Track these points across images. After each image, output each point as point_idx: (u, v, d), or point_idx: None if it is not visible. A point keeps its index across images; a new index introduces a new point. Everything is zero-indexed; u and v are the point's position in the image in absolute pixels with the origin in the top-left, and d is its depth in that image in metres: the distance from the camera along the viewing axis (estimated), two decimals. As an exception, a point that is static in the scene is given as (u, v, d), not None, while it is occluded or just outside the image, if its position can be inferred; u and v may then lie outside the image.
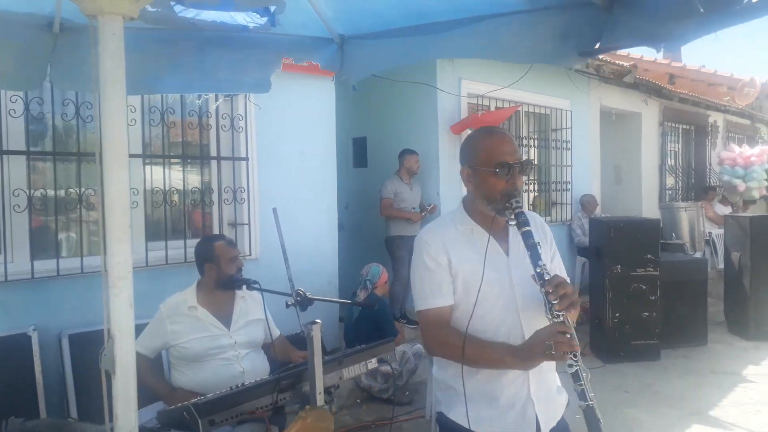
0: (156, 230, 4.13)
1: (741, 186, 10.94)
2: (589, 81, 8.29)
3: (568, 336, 1.54)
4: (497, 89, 6.66)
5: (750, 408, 4.40)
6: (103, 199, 1.27)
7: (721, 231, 8.00)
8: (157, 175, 4.07)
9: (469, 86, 6.48)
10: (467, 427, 1.75)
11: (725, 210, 10.01)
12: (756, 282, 6.20)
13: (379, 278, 4.48)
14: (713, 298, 6.85)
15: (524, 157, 1.78)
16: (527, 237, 1.64)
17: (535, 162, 7.71)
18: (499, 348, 1.68)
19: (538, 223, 1.89)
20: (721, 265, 7.58)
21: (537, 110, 7.63)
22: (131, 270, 1.29)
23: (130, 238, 1.29)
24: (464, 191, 6.25)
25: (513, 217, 1.68)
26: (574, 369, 1.54)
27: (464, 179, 1.84)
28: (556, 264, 1.88)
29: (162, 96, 3.93)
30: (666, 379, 5.06)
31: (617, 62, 8.56)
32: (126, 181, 1.29)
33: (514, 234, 1.76)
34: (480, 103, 6.69)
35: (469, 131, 6.32)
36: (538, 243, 1.66)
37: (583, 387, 1.53)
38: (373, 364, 2.64)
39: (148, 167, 4.00)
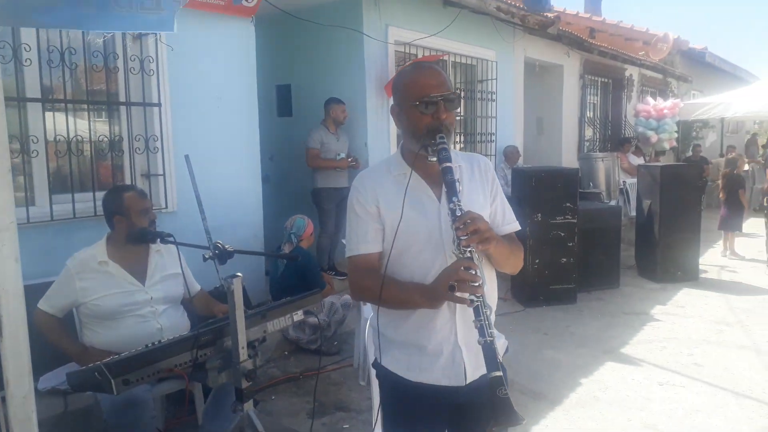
0: (61, 182, 3.83)
1: (654, 137, 11.47)
2: (514, 31, 8.32)
3: (473, 273, 1.50)
4: (425, 37, 6.56)
5: (657, 345, 4.71)
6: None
7: (635, 180, 8.38)
8: (60, 123, 3.74)
9: (396, 33, 6.33)
10: (398, 373, 1.75)
11: (638, 160, 10.49)
12: (664, 228, 6.58)
13: (304, 231, 4.39)
14: (625, 244, 7.22)
15: (452, 92, 1.69)
16: (446, 173, 1.59)
17: (462, 114, 7.73)
18: (410, 287, 1.66)
19: (481, 164, 1.84)
20: (634, 213, 7.98)
21: (463, 60, 7.59)
22: (14, 220, 1.14)
23: (10, 183, 1.13)
24: (393, 142, 6.18)
25: (435, 154, 1.62)
26: (475, 304, 1.50)
27: (394, 118, 1.79)
28: (498, 204, 1.84)
29: (60, 33, 3.58)
30: (582, 321, 5.33)
31: (541, 14, 8.61)
32: (1, 121, 1.13)
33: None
34: (407, 51, 6.57)
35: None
36: (458, 180, 1.62)
37: (482, 323, 1.48)
38: (299, 316, 2.58)
39: (49, 114, 3.66)
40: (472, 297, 1.50)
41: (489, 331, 1.49)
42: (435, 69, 1.73)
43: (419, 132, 1.67)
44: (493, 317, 1.67)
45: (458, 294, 1.51)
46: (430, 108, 1.65)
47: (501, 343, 1.87)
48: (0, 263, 1.13)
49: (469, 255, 1.52)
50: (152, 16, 2.40)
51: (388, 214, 1.70)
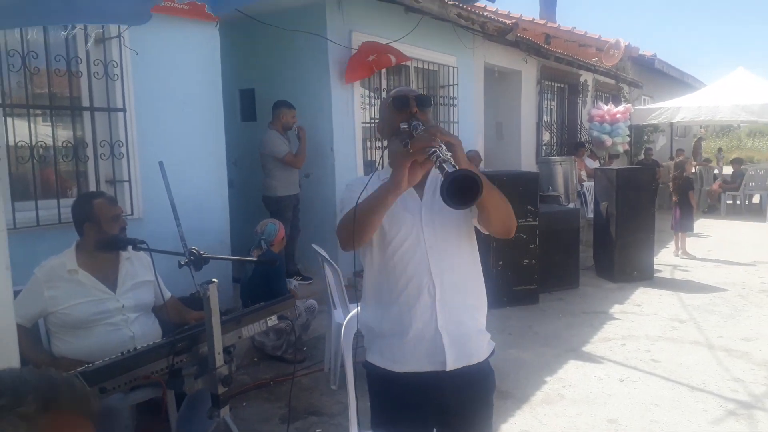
0: (23, 189, 3.73)
1: (608, 141, 11.85)
2: (474, 38, 8.48)
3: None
4: (388, 42, 6.63)
5: (616, 342, 4.88)
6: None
7: (591, 183, 8.64)
8: (21, 129, 3.65)
9: (359, 38, 6.39)
10: (384, 368, 1.83)
11: (594, 164, 10.81)
12: (620, 230, 6.81)
13: (275, 235, 4.37)
14: (584, 245, 7.46)
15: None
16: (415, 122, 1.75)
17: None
18: (377, 190, 1.69)
19: None
20: (591, 215, 8.22)
21: (426, 66, 7.70)
22: (5, 228, 1.15)
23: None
24: (359, 145, 6.23)
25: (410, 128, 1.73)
26: (432, 152, 1.50)
27: (379, 134, 1.98)
28: None
29: (22, 36, 3.50)
30: (545, 321, 5.48)
31: (500, 20, 8.81)
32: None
33: (431, 181, 1.84)
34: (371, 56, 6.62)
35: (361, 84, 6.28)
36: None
37: (440, 162, 1.47)
38: (273, 321, 2.60)
39: (9, 119, 3.57)
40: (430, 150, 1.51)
41: (452, 164, 1.47)
42: (413, 90, 1.95)
43: (396, 129, 1.81)
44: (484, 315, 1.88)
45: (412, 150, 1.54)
46: (404, 106, 1.82)
47: (487, 343, 1.94)
48: (-9, 272, 1.13)
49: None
50: (123, 8, 2.30)
51: None
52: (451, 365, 1.79)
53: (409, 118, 1.78)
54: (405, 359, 1.81)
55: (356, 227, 1.68)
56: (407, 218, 1.81)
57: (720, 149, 19.55)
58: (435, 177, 1.84)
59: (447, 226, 1.82)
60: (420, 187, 1.83)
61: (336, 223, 1.84)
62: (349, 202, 1.76)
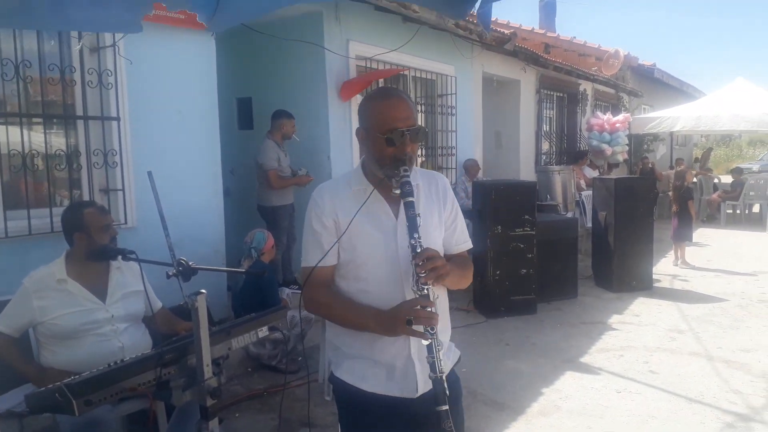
0: (16, 198, 3.72)
1: (608, 150, 11.83)
2: (472, 47, 8.49)
3: (430, 310, 1.58)
4: (385, 52, 6.63)
5: (614, 353, 4.84)
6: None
7: (590, 192, 8.62)
8: (14, 137, 3.64)
9: (357, 48, 6.39)
10: (353, 384, 1.79)
11: (593, 173, 10.79)
12: (619, 239, 6.78)
13: (264, 244, 4.35)
14: (582, 255, 7.43)
15: (417, 124, 1.75)
16: (408, 207, 1.65)
17: (425, 128, 7.82)
18: (365, 311, 1.71)
19: (439, 184, 1.90)
20: (590, 224, 8.19)
21: (424, 75, 7.70)
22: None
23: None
24: (356, 155, 6.22)
25: (398, 186, 1.67)
26: (428, 341, 1.58)
27: (359, 140, 1.83)
28: (457, 224, 1.91)
29: (15, 45, 3.49)
30: (542, 331, 5.44)
31: (498, 30, 8.83)
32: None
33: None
34: (368, 66, 6.63)
35: (360, 96, 6.28)
36: (418, 215, 1.66)
37: (434, 359, 1.57)
38: (264, 332, 2.56)
39: (2, 127, 3.56)
40: (428, 330, 1.57)
41: (440, 368, 1.58)
42: (403, 99, 1.77)
43: (384, 162, 1.71)
44: (445, 347, 1.83)
45: (414, 328, 1.58)
46: (397, 140, 1.68)
47: (452, 354, 1.91)
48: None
49: (426, 292, 1.60)
50: (115, 18, 2.29)
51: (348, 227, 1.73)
52: (421, 390, 1.75)
53: (399, 154, 1.68)
54: (375, 382, 1.77)
55: (334, 321, 1.80)
56: (380, 240, 1.74)
57: (710, 149, 19.42)
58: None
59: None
60: (393, 203, 1.76)
61: (301, 262, 1.83)
62: (313, 245, 1.78)
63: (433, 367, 1.57)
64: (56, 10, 2.11)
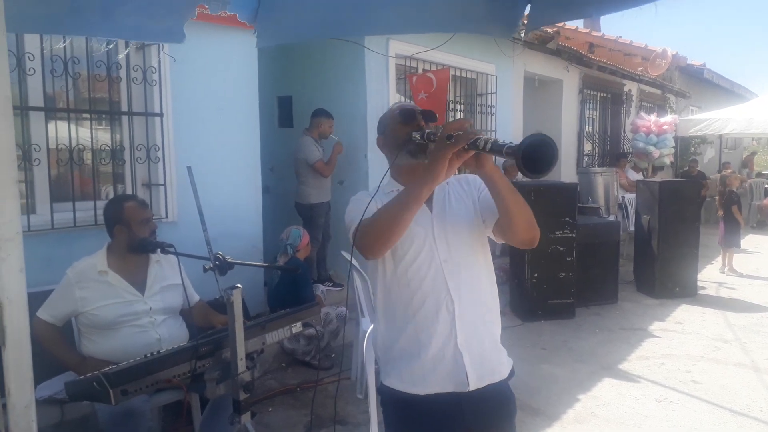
0: (63, 191, 3.84)
1: (655, 153, 11.49)
2: (514, 46, 8.37)
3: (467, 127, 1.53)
4: (425, 50, 6.55)
5: (655, 361, 4.70)
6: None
7: (633, 195, 8.40)
8: (62, 132, 3.75)
9: (397, 46, 6.37)
10: (404, 391, 1.76)
11: (637, 176, 10.53)
12: (663, 243, 6.58)
13: (300, 241, 4.39)
14: (624, 259, 7.24)
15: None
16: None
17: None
18: (404, 190, 1.64)
19: (469, 179, 1.90)
20: (632, 228, 7.99)
21: (463, 74, 7.64)
22: (20, 231, 1.15)
23: (17, 194, 1.15)
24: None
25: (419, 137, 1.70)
26: (476, 137, 1.48)
27: (380, 147, 1.91)
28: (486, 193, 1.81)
29: (65, 42, 3.60)
30: (580, 336, 5.32)
31: (541, 28, 8.67)
32: (10, 129, 1.14)
33: (438, 191, 1.80)
34: (408, 64, 6.60)
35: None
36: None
37: (492, 144, 1.48)
38: (298, 328, 2.57)
39: (51, 123, 3.67)
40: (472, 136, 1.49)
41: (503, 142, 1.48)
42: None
43: (402, 139, 1.76)
44: (498, 328, 1.85)
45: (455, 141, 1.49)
46: (411, 119, 1.77)
47: (506, 360, 1.89)
48: (5, 273, 1.13)
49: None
50: (159, 26, 2.41)
51: None
52: (474, 384, 1.72)
53: (417, 130, 1.74)
54: (425, 380, 1.74)
55: (384, 228, 1.59)
56: (419, 232, 1.75)
57: (754, 152, 18.69)
58: (443, 189, 1.83)
59: (460, 239, 1.77)
60: (429, 200, 1.77)
61: (350, 235, 1.75)
62: (359, 213, 1.71)
63: (497, 146, 1.49)
64: (105, 18, 2.21)
